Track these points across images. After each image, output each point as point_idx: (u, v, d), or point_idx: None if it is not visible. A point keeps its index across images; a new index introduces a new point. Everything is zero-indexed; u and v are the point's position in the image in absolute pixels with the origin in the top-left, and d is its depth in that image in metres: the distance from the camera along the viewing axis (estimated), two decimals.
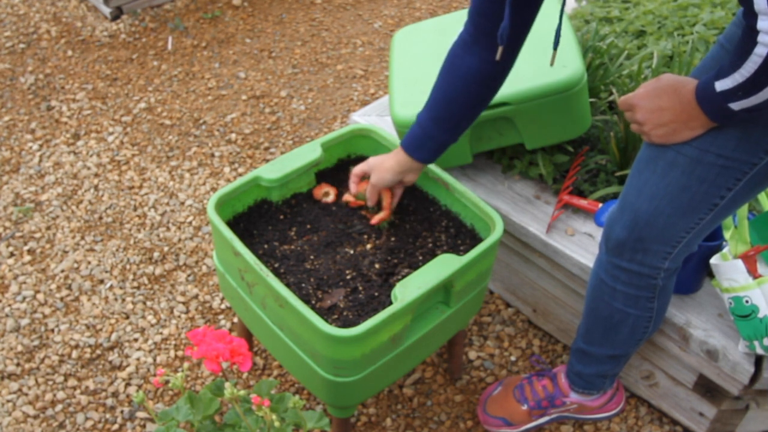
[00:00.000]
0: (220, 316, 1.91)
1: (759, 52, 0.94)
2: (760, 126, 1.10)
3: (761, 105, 1.00)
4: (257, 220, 1.53)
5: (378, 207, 1.55)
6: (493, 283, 1.94)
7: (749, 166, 1.14)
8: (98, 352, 1.82)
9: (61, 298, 1.94)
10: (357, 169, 1.52)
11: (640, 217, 1.25)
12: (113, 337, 1.85)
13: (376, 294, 1.38)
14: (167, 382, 1.06)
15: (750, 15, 0.94)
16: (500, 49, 1.26)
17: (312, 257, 1.46)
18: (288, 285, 1.37)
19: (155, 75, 2.73)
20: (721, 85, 1.03)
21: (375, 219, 1.51)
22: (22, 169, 2.33)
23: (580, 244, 1.64)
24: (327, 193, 1.58)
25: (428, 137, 1.41)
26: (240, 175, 2.33)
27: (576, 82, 1.59)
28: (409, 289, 1.28)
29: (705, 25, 2.25)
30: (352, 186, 1.54)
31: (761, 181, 1.18)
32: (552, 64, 1.37)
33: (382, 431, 1.67)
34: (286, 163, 1.53)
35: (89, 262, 2.03)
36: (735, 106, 1.03)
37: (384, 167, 1.47)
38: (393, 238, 1.50)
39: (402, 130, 1.67)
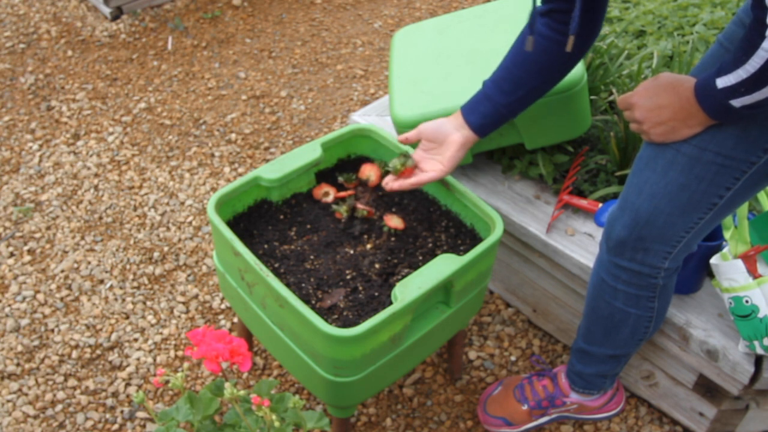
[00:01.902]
0: (220, 316, 1.91)
1: (766, 46, 0.93)
2: (758, 124, 1.10)
3: (764, 101, 1.00)
4: (257, 220, 1.53)
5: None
6: (493, 283, 1.94)
7: (748, 164, 1.14)
8: (98, 352, 1.82)
9: (61, 298, 1.94)
10: (412, 134, 1.44)
11: (640, 217, 1.25)
12: (113, 337, 1.85)
13: (376, 294, 1.38)
14: (167, 382, 1.06)
15: (759, 8, 0.93)
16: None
17: (312, 257, 1.46)
18: (288, 285, 1.37)
19: (155, 75, 2.73)
20: (722, 82, 1.02)
21: (393, 223, 1.47)
22: (22, 169, 2.33)
23: (580, 244, 1.64)
24: (327, 193, 1.58)
25: (486, 98, 1.36)
26: (240, 175, 2.33)
27: (576, 82, 1.59)
28: (409, 289, 1.28)
29: (705, 25, 2.25)
30: (411, 137, 1.44)
31: (760, 179, 1.18)
32: (569, 49, 1.35)
33: (382, 431, 1.67)
34: (286, 163, 1.53)
35: (89, 262, 2.03)
36: (737, 102, 1.03)
37: (450, 156, 1.39)
38: (393, 238, 1.50)
39: (402, 130, 1.67)
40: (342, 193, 1.57)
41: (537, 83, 1.35)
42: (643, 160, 1.24)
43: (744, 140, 1.12)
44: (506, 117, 1.38)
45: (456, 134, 1.39)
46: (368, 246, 1.49)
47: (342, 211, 1.52)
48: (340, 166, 1.65)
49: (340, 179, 1.58)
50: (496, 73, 1.35)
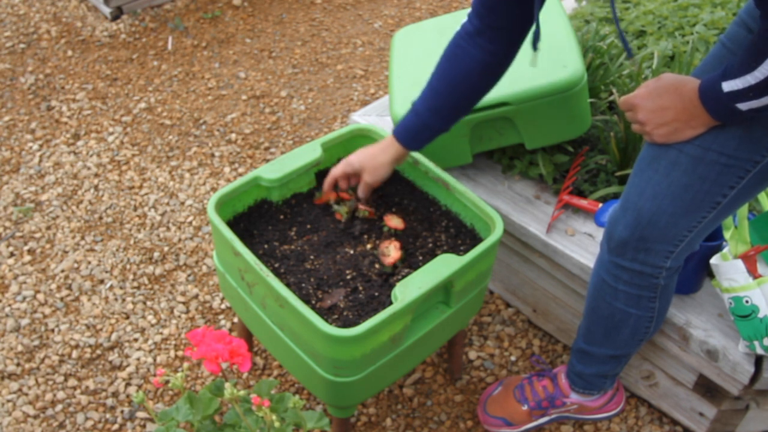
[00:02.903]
0: (220, 316, 1.91)
1: None
2: (761, 125, 1.10)
3: None
4: (257, 220, 1.53)
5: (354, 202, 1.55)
6: (493, 283, 1.94)
7: (751, 164, 1.14)
8: (98, 352, 1.82)
9: (61, 298, 1.94)
10: (339, 171, 1.49)
11: (642, 217, 1.25)
12: (113, 337, 1.85)
13: (376, 294, 1.38)
14: (167, 382, 1.06)
15: (767, 17, 0.94)
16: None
17: (312, 257, 1.46)
18: (288, 285, 1.37)
19: (155, 75, 2.73)
20: (729, 86, 1.03)
21: (390, 260, 1.45)
22: (22, 169, 2.33)
23: (580, 244, 1.64)
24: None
25: (425, 127, 1.41)
26: (240, 175, 2.33)
27: (576, 82, 1.59)
28: (409, 289, 1.28)
29: (705, 25, 2.25)
30: (326, 186, 1.52)
31: (763, 179, 1.18)
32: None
33: (382, 431, 1.67)
34: (286, 163, 1.53)
35: (89, 262, 2.03)
36: (743, 106, 1.03)
37: (377, 163, 1.45)
38: (393, 238, 1.50)
39: None
40: (343, 194, 1.57)
41: (473, 102, 1.41)
42: (645, 160, 1.24)
43: (747, 140, 1.12)
44: (442, 134, 1.43)
45: (384, 155, 1.45)
46: (368, 246, 1.49)
47: (342, 212, 1.52)
48: None
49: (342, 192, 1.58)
50: (433, 101, 1.39)
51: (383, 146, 1.46)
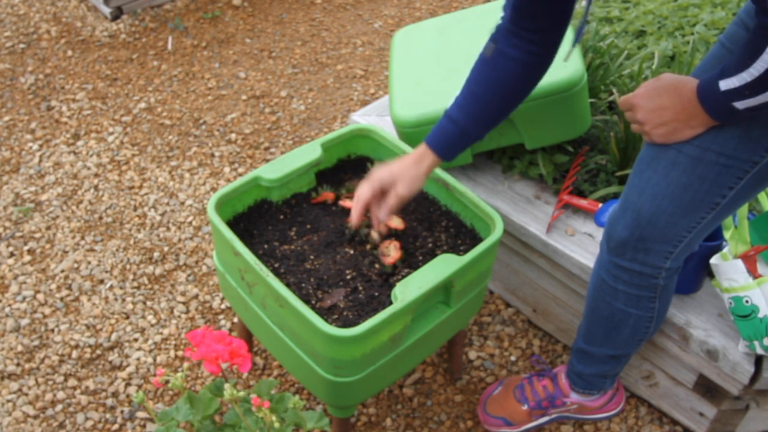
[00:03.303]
0: (220, 316, 1.91)
1: None
2: (760, 124, 1.10)
3: (767, 104, 1.00)
4: (257, 220, 1.53)
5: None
6: (493, 283, 1.94)
7: (750, 164, 1.14)
8: (98, 352, 1.82)
9: (61, 298, 1.94)
10: (367, 194, 1.34)
11: (642, 217, 1.25)
12: (113, 337, 1.85)
13: (376, 294, 1.38)
14: (167, 382, 1.06)
15: (762, 13, 0.94)
16: (571, 49, 1.22)
17: (312, 257, 1.46)
18: (288, 285, 1.37)
19: (155, 75, 2.73)
20: (726, 84, 1.03)
21: (390, 260, 1.42)
22: (22, 169, 2.33)
23: (580, 244, 1.64)
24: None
25: (464, 134, 1.31)
26: (240, 175, 2.33)
27: (576, 82, 1.59)
28: (409, 289, 1.28)
29: (705, 25, 2.25)
30: (358, 213, 1.35)
31: (763, 179, 1.18)
32: (566, 60, 1.33)
33: (382, 431, 1.67)
34: (286, 163, 1.53)
35: (89, 262, 2.03)
36: (740, 105, 1.03)
37: (413, 174, 1.32)
38: (393, 238, 1.50)
39: (402, 130, 1.67)
40: (347, 203, 1.55)
41: (514, 106, 1.33)
42: (644, 160, 1.24)
43: (746, 140, 1.12)
44: (474, 139, 1.34)
45: (418, 167, 1.33)
46: (368, 246, 1.49)
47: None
48: (340, 166, 1.65)
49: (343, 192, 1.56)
50: (472, 107, 1.30)
51: (416, 158, 1.33)
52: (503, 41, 1.25)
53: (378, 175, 1.34)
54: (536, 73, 1.29)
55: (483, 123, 1.32)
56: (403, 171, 1.33)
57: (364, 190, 1.35)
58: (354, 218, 1.36)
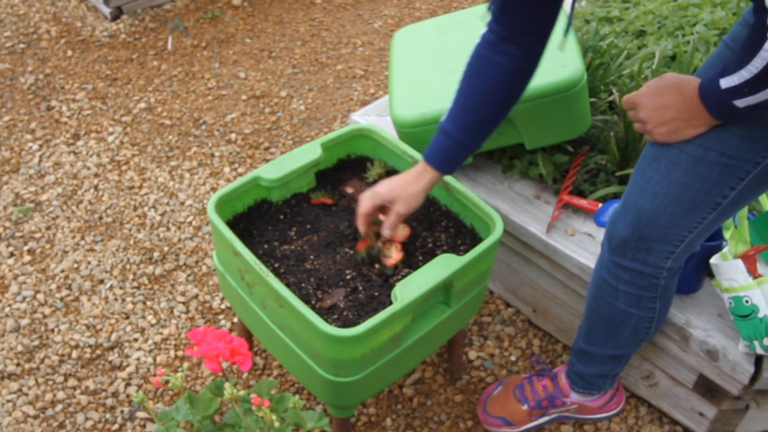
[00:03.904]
0: (220, 316, 1.91)
1: None
2: (762, 124, 1.10)
3: (767, 102, 1.00)
4: (257, 220, 1.53)
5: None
6: (493, 283, 1.94)
7: (752, 164, 1.14)
8: (98, 352, 1.82)
9: (61, 298, 1.94)
10: (367, 207, 1.37)
11: (643, 216, 1.25)
12: (113, 337, 1.85)
13: (376, 294, 1.37)
14: (167, 382, 1.06)
15: (760, 10, 0.94)
16: (564, 41, 1.22)
17: (312, 257, 1.46)
18: (288, 285, 1.37)
19: (155, 75, 2.73)
20: (726, 82, 1.03)
21: (392, 261, 1.42)
22: (22, 169, 2.33)
23: (580, 244, 1.64)
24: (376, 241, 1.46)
25: (459, 147, 1.32)
26: (240, 175, 2.33)
27: (576, 82, 1.59)
28: (409, 289, 1.28)
29: (705, 25, 2.25)
30: (364, 225, 1.39)
31: (764, 180, 1.18)
32: (561, 49, 1.32)
33: (382, 431, 1.67)
34: (286, 163, 1.53)
35: (89, 262, 2.03)
36: (740, 103, 1.03)
37: (411, 192, 1.34)
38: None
39: (402, 130, 1.67)
40: (326, 199, 1.56)
41: (508, 111, 1.33)
42: (646, 159, 1.24)
43: (748, 140, 1.12)
44: (471, 150, 1.35)
45: (417, 183, 1.35)
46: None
47: (393, 255, 1.45)
48: (340, 166, 1.65)
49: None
50: (465, 118, 1.31)
51: (414, 174, 1.35)
52: (489, 49, 1.26)
53: (379, 190, 1.36)
54: (525, 77, 1.30)
55: (477, 133, 1.32)
56: (402, 189, 1.35)
57: (365, 205, 1.38)
58: (361, 230, 1.41)
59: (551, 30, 1.25)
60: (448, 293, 1.40)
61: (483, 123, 1.32)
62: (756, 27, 0.96)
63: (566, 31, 1.27)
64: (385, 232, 1.39)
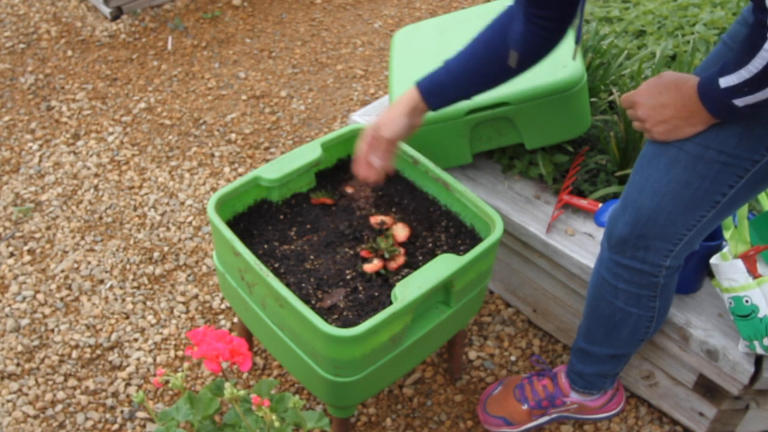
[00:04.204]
0: (220, 316, 1.91)
1: None
2: (761, 123, 1.10)
3: (766, 101, 1.00)
4: (257, 220, 1.53)
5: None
6: (493, 283, 1.94)
7: (751, 163, 1.14)
8: (98, 352, 1.82)
9: (61, 298, 1.94)
10: (363, 147, 1.42)
11: (642, 214, 1.25)
12: (113, 337, 1.85)
13: (376, 294, 1.38)
14: (167, 382, 1.06)
15: (760, 10, 0.94)
16: (575, 48, 1.28)
17: (312, 257, 1.46)
18: (288, 285, 1.37)
19: (155, 75, 2.73)
20: (725, 82, 1.03)
21: (394, 265, 1.43)
22: (22, 169, 2.33)
23: (580, 244, 1.64)
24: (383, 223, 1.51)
25: (454, 86, 1.37)
26: (240, 175, 2.33)
27: (576, 82, 1.59)
28: (409, 289, 1.28)
29: (705, 25, 2.26)
30: (361, 167, 1.45)
31: (763, 179, 1.18)
32: (574, 58, 1.36)
33: (382, 431, 1.67)
34: (286, 163, 1.53)
35: (89, 262, 2.03)
36: (739, 102, 1.03)
37: (392, 116, 1.39)
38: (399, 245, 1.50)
39: None
40: (326, 199, 1.56)
41: (506, 77, 1.37)
42: (645, 158, 1.24)
43: (747, 138, 1.12)
44: (460, 101, 1.40)
45: (397, 107, 1.40)
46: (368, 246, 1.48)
47: (386, 247, 1.46)
48: (340, 166, 1.65)
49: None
50: (469, 63, 1.36)
51: (399, 101, 1.40)
52: (512, 17, 1.29)
53: (368, 126, 1.43)
54: (538, 51, 1.32)
55: (475, 82, 1.37)
56: (384, 115, 1.40)
57: (359, 147, 1.45)
58: (358, 171, 1.45)
59: (570, 21, 1.28)
60: (448, 293, 1.40)
61: (484, 75, 1.36)
62: (755, 27, 0.96)
63: (577, 39, 1.28)
64: (376, 162, 1.42)
